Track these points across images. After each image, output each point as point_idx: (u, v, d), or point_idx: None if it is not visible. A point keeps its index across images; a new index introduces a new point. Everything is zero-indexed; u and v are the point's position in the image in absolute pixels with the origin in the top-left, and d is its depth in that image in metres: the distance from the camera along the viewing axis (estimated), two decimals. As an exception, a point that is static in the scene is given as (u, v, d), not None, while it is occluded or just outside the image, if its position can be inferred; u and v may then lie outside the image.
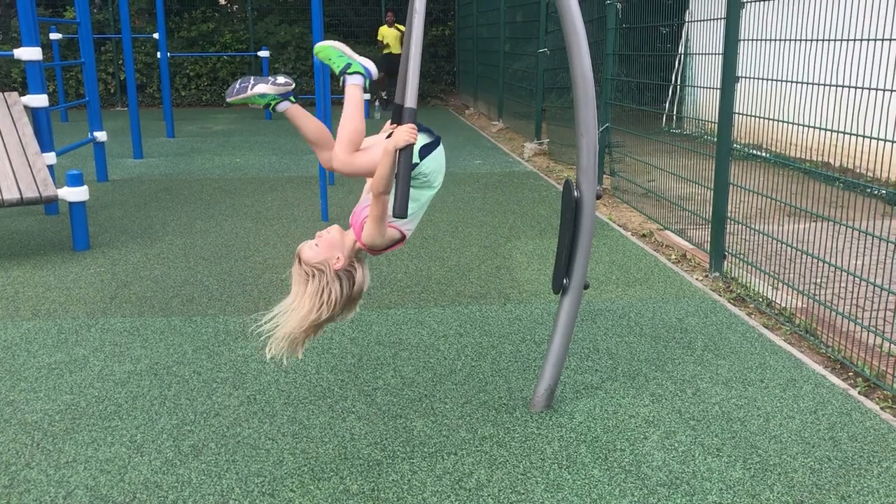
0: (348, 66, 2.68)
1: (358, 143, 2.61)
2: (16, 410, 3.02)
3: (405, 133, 2.41)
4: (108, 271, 4.81)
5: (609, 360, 3.50)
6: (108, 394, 3.16)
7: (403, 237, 2.69)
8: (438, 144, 2.71)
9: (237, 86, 2.64)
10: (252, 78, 2.66)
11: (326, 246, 2.58)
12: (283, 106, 2.65)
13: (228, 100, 2.67)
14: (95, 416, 2.98)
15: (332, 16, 16.74)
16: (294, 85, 2.68)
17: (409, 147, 2.42)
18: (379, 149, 2.50)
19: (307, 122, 2.66)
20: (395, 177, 2.43)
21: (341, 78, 2.67)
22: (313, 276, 2.55)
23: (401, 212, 2.38)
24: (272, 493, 2.49)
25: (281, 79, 2.65)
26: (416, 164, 2.58)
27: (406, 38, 2.79)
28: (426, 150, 2.65)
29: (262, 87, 2.62)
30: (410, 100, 2.49)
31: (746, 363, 3.45)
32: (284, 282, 4.59)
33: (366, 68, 2.71)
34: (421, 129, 2.60)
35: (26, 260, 5.06)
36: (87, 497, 2.46)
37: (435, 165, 2.69)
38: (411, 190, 2.47)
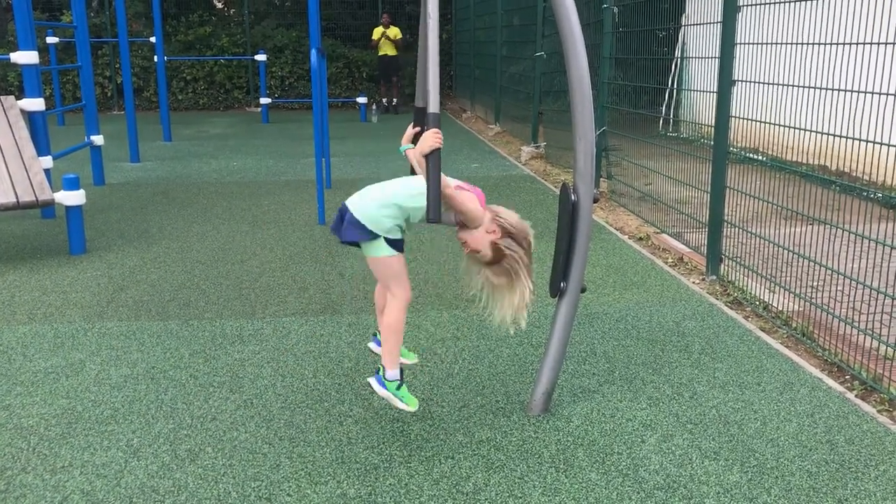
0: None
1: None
2: (11, 415, 3.01)
3: (430, 139, 2.49)
4: (104, 275, 4.80)
5: (606, 363, 3.50)
6: (105, 398, 3.15)
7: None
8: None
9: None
10: None
11: (472, 239, 2.77)
12: None
13: None
14: (91, 420, 2.97)
15: (329, 19, 16.73)
16: None
17: (436, 151, 2.48)
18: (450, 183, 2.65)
19: None
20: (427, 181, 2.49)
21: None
22: (496, 261, 2.78)
23: (434, 216, 2.41)
24: (269, 497, 2.48)
25: None
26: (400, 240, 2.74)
27: (421, 43, 2.82)
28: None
29: None
30: (433, 105, 2.54)
31: (743, 366, 3.45)
32: (281, 286, 4.61)
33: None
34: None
35: (22, 264, 5.05)
36: (83, 502, 2.45)
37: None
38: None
